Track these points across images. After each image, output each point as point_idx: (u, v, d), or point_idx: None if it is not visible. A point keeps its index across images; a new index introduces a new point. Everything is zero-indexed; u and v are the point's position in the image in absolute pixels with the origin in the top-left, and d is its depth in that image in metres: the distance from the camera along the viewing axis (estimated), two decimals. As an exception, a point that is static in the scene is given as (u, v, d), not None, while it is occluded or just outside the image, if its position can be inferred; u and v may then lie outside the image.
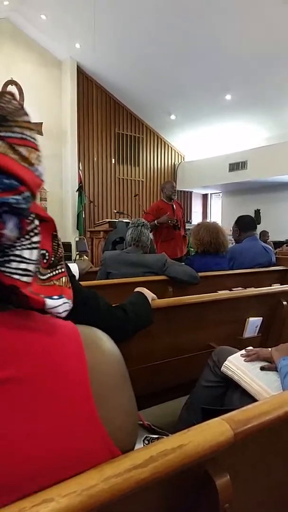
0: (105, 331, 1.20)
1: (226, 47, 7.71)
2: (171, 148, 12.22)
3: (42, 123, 9.06)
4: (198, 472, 0.60)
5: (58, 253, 0.54)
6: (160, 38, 7.97)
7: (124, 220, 6.62)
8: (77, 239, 9.59)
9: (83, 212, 9.77)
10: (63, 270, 0.55)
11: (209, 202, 13.49)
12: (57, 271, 0.54)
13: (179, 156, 12.45)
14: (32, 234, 0.47)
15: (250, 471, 0.75)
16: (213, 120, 10.23)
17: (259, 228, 7.84)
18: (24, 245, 0.47)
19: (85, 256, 8.63)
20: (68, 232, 9.83)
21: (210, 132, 10.84)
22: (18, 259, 0.46)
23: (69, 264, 1.35)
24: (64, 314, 0.51)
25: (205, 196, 13.46)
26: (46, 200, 9.42)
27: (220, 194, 12.94)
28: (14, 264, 0.46)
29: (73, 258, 9.17)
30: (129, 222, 3.38)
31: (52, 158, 9.70)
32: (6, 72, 8.71)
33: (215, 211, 13.29)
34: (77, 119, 9.95)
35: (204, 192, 13.19)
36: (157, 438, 0.91)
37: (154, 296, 1.65)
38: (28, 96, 8.92)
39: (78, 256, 9.08)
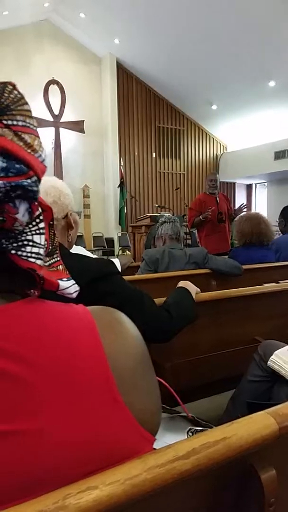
0: (149, 332, 1.21)
1: (267, 32, 7.44)
2: (213, 138, 12.02)
3: (83, 121, 9.22)
4: (242, 466, 0.59)
5: (55, 242, 0.56)
6: (198, 28, 7.83)
7: (166, 214, 6.59)
8: (119, 234, 9.71)
9: (125, 208, 9.85)
10: (58, 258, 0.57)
11: (254, 192, 13.15)
12: (54, 260, 0.56)
13: (222, 147, 12.22)
14: (38, 220, 0.50)
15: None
16: (256, 108, 9.93)
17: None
18: (33, 230, 0.49)
19: (127, 251, 8.72)
20: (110, 228, 9.97)
21: (253, 120, 10.54)
22: (30, 243, 0.48)
23: (111, 259, 1.36)
24: (75, 295, 0.53)
25: (249, 187, 13.13)
26: (88, 197, 9.60)
27: (266, 183, 12.57)
28: (28, 248, 0.48)
29: (115, 253, 9.29)
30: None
31: (94, 155, 9.85)
32: (47, 71, 8.92)
33: (261, 202, 12.94)
34: (118, 115, 10.03)
35: (248, 182, 12.87)
36: (201, 431, 0.91)
37: (198, 289, 1.64)
38: (69, 94, 9.10)
39: (120, 251, 9.20)
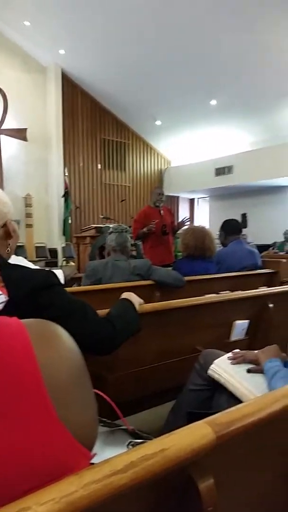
0: (92, 344, 1.19)
1: (211, 53, 7.79)
2: (157, 153, 12.27)
3: (26, 129, 9.02)
4: (181, 476, 0.59)
5: None
6: (145, 44, 8.02)
7: (111, 225, 6.59)
8: (63, 245, 9.53)
9: (70, 218, 9.71)
10: None
11: (196, 206, 13.57)
12: None
13: (165, 161, 12.50)
14: None
15: (236, 473, 0.75)
16: (198, 125, 10.30)
17: (246, 232, 7.91)
18: None
19: (71, 262, 8.58)
20: (54, 238, 9.76)
21: (196, 137, 10.92)
22: None
23: (54, 270, 1.32)
24: (0, 306, 0.50)
25: (192, 201, 13.54)
26: (31, 206, 9.36)
27: (207, 198, 13.02)
28: None
29: (59, 264, 9.11)
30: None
31: (37, 164, 9.65)
32: (-11, 78, 8.66)
33: (203, 215, 13.36)
34: (63, 125, 9.91)
35: (191, 196, 13.27)
36: (141, 443, 0.90)
37: (142, 301, 1.64)
38: (13, 102, 8.87)
39: (64, 262, 9.03)
